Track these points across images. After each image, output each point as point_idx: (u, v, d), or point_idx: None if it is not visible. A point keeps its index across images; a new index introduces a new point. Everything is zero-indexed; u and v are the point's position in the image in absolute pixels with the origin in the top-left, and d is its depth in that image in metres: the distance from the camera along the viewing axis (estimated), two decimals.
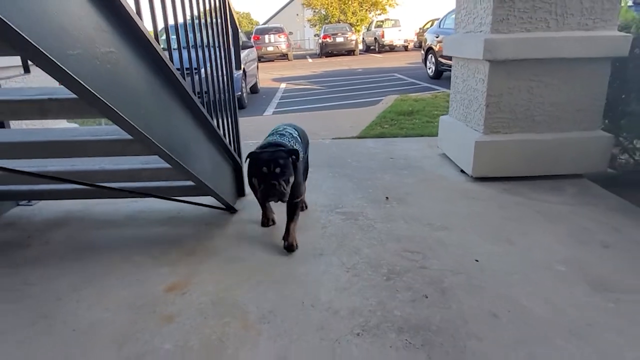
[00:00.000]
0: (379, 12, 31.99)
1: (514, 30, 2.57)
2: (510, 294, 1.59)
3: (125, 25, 1.17)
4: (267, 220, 2.24)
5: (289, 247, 1.95)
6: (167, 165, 1.67)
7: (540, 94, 2.69)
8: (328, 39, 22.55)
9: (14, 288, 1.72)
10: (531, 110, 2.72)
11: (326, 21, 30.95)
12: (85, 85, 0.93)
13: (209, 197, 2.25)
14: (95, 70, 0.99)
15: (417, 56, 14.22)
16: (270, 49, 20.14)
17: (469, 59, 2.88)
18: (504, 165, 2.77)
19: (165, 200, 2.24)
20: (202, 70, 1.97)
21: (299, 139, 2.24)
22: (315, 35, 32.82)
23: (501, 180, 2.76)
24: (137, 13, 1.23)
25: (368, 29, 27.54)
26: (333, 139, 4.22)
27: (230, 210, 2.37)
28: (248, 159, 1.88)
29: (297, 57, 23.19)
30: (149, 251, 1.97)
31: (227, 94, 2.30)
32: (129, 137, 1.44)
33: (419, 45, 19.31)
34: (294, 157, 1.88)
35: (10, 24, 0.77)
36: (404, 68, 13.07)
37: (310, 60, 21.29)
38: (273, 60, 20.23)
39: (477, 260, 1.83)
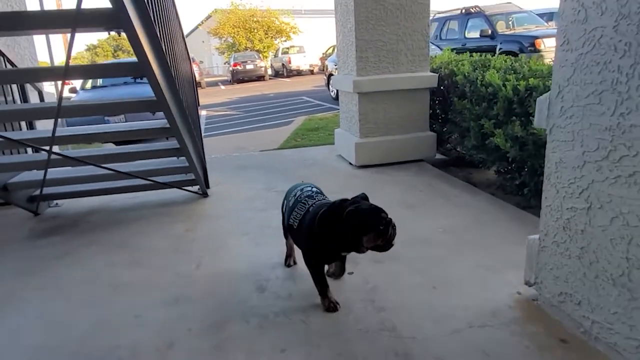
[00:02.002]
0: (284, 39, 34.17)
1: (370, 74, 4.24)
2: None
3: (176, 95, 2.54)
4: (334, 302, 1.99)
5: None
6: (173, 166, 2.98)
7: (391, 111, 4.37)
8: (239, 67, 24.04)
9: (90, 241, 2.94)
10: (386, 121, 4.39)
11: (234, 49, 32.42)
12: (176, 121, 2.28)
13: (190, 188, 3.59)
14: (178, 114, 2.34)
15: (322, 80, 16.13)
16: None
17: (347, 92, 4.51)
18: (374, 157, 4.40)
19: (158, 191, 3.54)
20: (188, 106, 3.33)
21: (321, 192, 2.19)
22: (225, 63, 34.05)
23: (373, 166, 4.38)
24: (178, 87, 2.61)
25: (275, 56, 29.45)
26: (260, 150, 5.67)
27: (204, 194, 3.71)
28: (349, 214, 1.74)
29: (209, 85, 24.29)
30: (166, 218, 3.27)
31: (197, 118, 3.67)
32: (165, 148, 2.79)
33: (323, 69, 21.49)
34: None
35: (173, 113, 2.14)
36: (311, 91, 14.88)
37: (222, 87, 22.53)
38: None
39: None
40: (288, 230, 2.17)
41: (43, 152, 2.50)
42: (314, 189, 2.18)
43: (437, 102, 4.66)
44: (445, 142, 4.80)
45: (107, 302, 2.17)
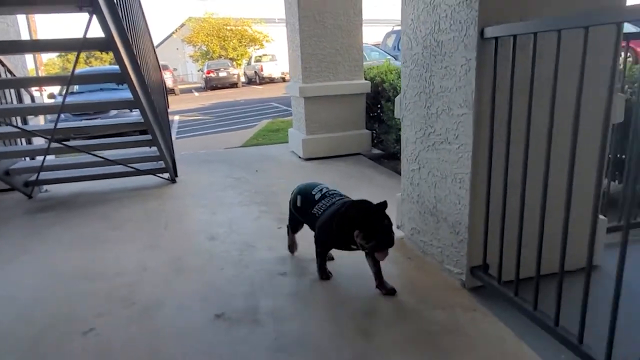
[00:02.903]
0: (257, 47, 34.94)
1: (313, 81, 5.08)
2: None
3: (148, 97, 3.31)
4: (327, 273, 2.33)
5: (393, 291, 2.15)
6: (147, 155, 3.73)
7: (333, 112, 5.21)
8: (212, 74, 24.71)
9: (78, 214, 3.67)
10: (329, 121, 5.23)
11: (208, 57, 33.04)
12: (149, 116, 3.03)
13: (161, 175, 4.35)
14: (150, 111, 3.10)
15: None
16: None
17: (296, 96, 5.34)
18: (318, 150, 5.23)
19: (133, 178, 4.29)
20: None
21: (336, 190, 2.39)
22: (199, 70, 34.62)
23: (317, 159, 5.21)
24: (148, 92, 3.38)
25: (248, 63, 30.17)
26: (225, 148, 6.45)
27: (173, 181, 4.47)
28: (349, 214, 1.99)
29: (183, 92, 24.82)
30: (140, 198, 4.01)
31: (167, 117, 4.43)
32: (140, 139, 3.55)
33: None
34: None
35: (146, 110, 2.91)
36: (280, 97, 15.67)
37: (196, 94, 23.13)
38: None
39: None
40: (311, 217, 2.31)
41: (40, 142, 3.21)
42: (335, 189, 2.39)
43: (378, 105, 5.53)
44: (382, 139, 5.68)
45: (97, 250, 2.92)
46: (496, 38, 1.75)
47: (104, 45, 2.44)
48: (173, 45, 43.39)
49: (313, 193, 2.35)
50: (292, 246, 2.67)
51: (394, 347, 1.77)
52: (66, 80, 2.63)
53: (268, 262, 2.60)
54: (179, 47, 42.23)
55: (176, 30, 42.70)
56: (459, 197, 2.07)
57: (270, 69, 26.39)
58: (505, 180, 1.80)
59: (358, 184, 4.19)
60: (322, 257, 2.33)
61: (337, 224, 2.05)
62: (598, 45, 1.55)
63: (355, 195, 2.39)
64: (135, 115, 6.05)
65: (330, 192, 2.33)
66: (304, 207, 2.35)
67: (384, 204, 2.03)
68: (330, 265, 2.41)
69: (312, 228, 2.34)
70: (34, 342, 1.92)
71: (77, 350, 1.86)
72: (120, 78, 2.68)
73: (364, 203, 2.09)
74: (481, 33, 1.79)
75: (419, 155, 2.41)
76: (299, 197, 2.42)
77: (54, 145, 3.27)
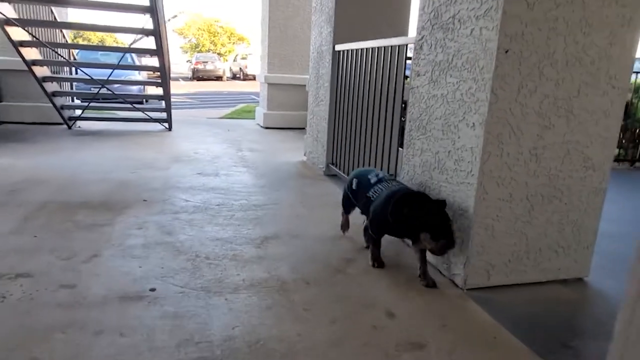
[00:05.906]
0: (245, 45, 36.92)
1: (275, 73, 7.15)
2: (255, 143, 6.03)
3: (164, 67, 5.31)
4: (381, 261, 2.25)
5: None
6: (156, 107, 5.73)
7: (288, 97, 7.29)
8: (200, 65, 26.54)
9: (109, 138, 5.63)
10: (284, 102, 7.30)
11: (197, 49, 34.84)
12: (166, 78, 5.01)
13: (162, 124, 6.36)
14: (165, 75, 5.11)
15: None
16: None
17: (262, 82, 7.40)
18: (275, 122, 7.29)
19: (141, 125, 6.27)
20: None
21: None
22: (187, 61, 36.31)
23: (273, 128, 7.27)
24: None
25: (234, 60, 32.11)
26: (207, 118, 8.46)
27: (170, 129, 6.46)
28: (415, 206, 1.98)
29: (171, 79, 26.54)
30: (147, 135, 5.99)
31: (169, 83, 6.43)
32: (156, 94, 5.55)
33: None
34: None
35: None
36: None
37: (183, 82, 24.92)
38: None
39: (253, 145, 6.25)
40: (364, 202, 2.32)
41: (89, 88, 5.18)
42: (392, 176, 2.47)
43: None
44: None
45: (125, 152, 4.90)
46: (340, 51, 3.86)
47: (151, 32, 4.42)
48: None
49: (369, 177, 2.38)
50: (344, 225, 2.68)
51: (281, 182, 3.84)
52: (125, 49, 4.56)
53: (228, 163, 4.66)
54: (169, 37, 43.77)
55: (169, 20, 44.27)
56: (325, 128, 4.17)
57: (254, 68, 28.33)
58: (343, 119, 3.90)
59: (293, 141, 6.25)
60: (375, 243, 2.27)
61: (393, 210, 2.05)
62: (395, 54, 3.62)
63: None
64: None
65: (387, 178, 2.35)
66: (359, 190, 2.39)
67: (444, 203, 2.02)
68: (270, 156, 4.49)
69: (365, 212, 2.36)
70: (105, 176, 3.91)
71: (131, 178, 3.85)
72: (155, 52, 4.66)
73: (424, 198, 2.09)
74: (333, 47, 3.90)
75: (313, 111, 4.51)
76: (354, 180, 2.46)
77: (102, 91, 5.24)
